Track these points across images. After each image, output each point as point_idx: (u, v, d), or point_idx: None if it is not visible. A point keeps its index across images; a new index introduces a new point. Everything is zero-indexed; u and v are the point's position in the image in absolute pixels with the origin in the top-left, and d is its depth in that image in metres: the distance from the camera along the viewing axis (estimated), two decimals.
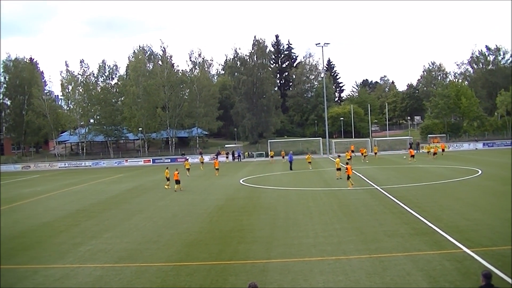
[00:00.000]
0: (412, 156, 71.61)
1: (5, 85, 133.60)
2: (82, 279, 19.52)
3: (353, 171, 48.01)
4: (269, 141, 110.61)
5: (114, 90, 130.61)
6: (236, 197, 41.81)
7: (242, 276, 18.51)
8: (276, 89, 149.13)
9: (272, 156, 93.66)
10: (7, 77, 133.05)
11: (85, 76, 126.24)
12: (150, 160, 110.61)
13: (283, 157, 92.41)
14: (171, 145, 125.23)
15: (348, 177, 44.15)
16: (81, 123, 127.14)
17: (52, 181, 71.80)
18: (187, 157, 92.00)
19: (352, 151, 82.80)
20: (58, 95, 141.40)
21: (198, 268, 20.13)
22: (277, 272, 18.89)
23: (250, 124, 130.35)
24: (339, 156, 59.44)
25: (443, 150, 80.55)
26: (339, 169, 51.75)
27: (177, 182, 47.92)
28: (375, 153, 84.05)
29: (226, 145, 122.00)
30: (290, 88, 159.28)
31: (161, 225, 30.06)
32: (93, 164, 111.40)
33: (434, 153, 78.94)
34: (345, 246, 22.31)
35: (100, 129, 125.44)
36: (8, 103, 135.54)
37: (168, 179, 51.05)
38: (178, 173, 48.26)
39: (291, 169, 66.83)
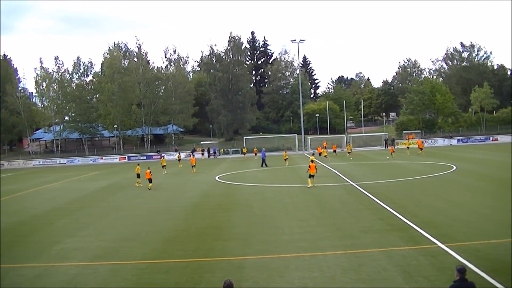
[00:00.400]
0: (392, 152, 71.21)
1: None
2: (57, 277, 19.36)
3: (329, 167, 48.07)
4: (244, 137, 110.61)
5: (89, 87, 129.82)
6: (212, 194, 41.78)
7: (218, 273, 18.48)
8: (251, 85, 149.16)
9: (244, 153, 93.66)
10: None
11: (59, 73, 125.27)
12: (125, 158, 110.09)
13: (255, 154, 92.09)
14: (147, 142, 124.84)
15: (311, 176, 41.97)
16: (56, 120, 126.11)
17: (26, 179, 71.14)
18: (163, 154, 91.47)
19: (325, 147, 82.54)
20: (32, 92, 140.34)
21: (173, 265, 20.09)
22: (253, 268, 18.91)
23: (225, 120, 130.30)
24: (313, 154, 57.49)
25: (420, 147, 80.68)
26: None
27: (150, 181, 46.86)
28: (349, 152, 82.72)
29: (201, 142, 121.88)
30: (266, 85, 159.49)
31: (137, 223, 29.93)
32: (68, 162, 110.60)
33: (421, 149, 79.40)
34: (321, 242, 22.38)
35: (75, 127, 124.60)
36: None
37: (138, 176, 50.40)
38: (150, 172, 47.11)
39: (264, 165, 66.80)
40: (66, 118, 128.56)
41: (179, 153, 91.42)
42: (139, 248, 23.26)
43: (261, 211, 31.60)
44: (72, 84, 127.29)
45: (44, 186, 58.06)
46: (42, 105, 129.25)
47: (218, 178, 55.30)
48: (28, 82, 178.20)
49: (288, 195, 37.90)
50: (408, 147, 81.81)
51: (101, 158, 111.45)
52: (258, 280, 17.48)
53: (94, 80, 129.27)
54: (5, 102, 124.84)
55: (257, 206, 33.93)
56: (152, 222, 29.97)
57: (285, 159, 69.73)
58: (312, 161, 43.72)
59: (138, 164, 53.28)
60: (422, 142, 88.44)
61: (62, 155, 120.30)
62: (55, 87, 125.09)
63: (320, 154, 75.84)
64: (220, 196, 40.11)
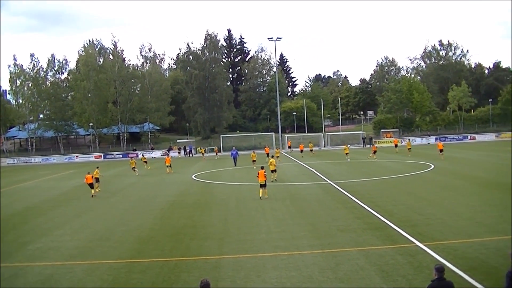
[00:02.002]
0: (375, 152, 69.65)
1: None
2: (31, 278, 19.22)
3: (306, 166, 47.97)
4: (221, 136, 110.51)
5: (64, 85, 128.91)
6: (188, 193, 41.71)
7: (195, 272, 18.51)
8: (228, 83, 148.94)
9: (202, 153, 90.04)
10: None
11: (34, 71, 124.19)
12: (101, 156, 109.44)
13: (216, 153, 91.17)
14: (123, 141, 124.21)
15: (261, 185, 35.89)
16: (30, 118, 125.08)
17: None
18: (139, 153, 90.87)
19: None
20: (6, 90, 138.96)
21: (150, 265, 20.03)
22: (230, 268, 18.94)
23: (202, 119, 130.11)
24: (272, 156, 53.92)
25: (396, 145, 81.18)
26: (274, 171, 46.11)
27: (91, 185, 42.48)
28: (311, 150, 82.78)
29: (178, 140, 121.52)
30: (243, 83, 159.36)
31: (112, 222, 29.81)
32: (43, 160, 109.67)
33: (395, 145, 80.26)
34: (298, 241, 22.45)
35: (50, 125, 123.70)
36: None
37: (97, 180, 45.56)
38: (92, 176, 43.20)
39: (235, 165, 66.52)
40: (41, 116, 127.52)
41: (143, 155, 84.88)
42: (115, 248, 23.16)
43: (237, 210, 31.65)
44: (47, 82, 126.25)
45: (18, 185, 57.56)
46: (16, 103, 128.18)
47: (194, 176, 55.19)
48: (1, 79, 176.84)
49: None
50: (396, 145, 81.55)
51: (77, 156, 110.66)
52: (235, 280, 17.52)
53: (69, 77, 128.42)
54: None
55: (233, 205, 33.96)
56: (128, 221, 29.85)
57: (253, 161, 63.75)
58: (262, 167, 37.99)
59: (98, 168, 48.23)
60: (399, 141, 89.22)
61: (37, 153, 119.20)
62: (30, 85, 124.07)
63: (301, 151, 78.05)
64: (196, 195, 40.05)
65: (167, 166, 62.51)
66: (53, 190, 49.04)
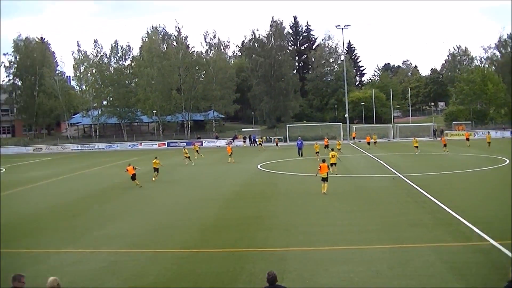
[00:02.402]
0: (445, 145, 66.68)
1: (15, 66, 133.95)
2: (95, 264, 19.61)
3: (375, 158, 47.40)
4: (287, 125, 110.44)
5: (128, 72, 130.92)
6: (253, 183, 41.88)
7: (260, 264, 18.51)
8: (294, 72, 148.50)
9: (260, 144, 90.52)
10: (17, 57, 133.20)
11: (98, 57, 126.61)
12: (165, 144, 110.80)
13: (276, 144, 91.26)
14: (187, 128, 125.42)
15: (323, 179, 34.03)
16: (94, 105, 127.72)
17: (64, 164, 72.25)
18: (200, 142, 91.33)
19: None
20: (70, 76, 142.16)
21: (214, 255, 20.21)
22: (296, 260, 18.88)
23: (267, 107, 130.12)
24: (332, 149, 51.11)
25: (467, 139, 79.09)
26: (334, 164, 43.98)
27: (133, 177, 41.64)
28: (374, 142, 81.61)
29: (243, 129, 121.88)
30: (309, 71, 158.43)
31: (177, 211, 30.22)
32: (106, 147, 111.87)
33: (467, 139, 78.31)
34: (366, 235, 22.22)
35: (114, 111, 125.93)
36: (19, 83, 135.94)
37: (156, 170, 45.80)
38: (134, 167, 42.67)
39: (300, 155, 66.03)
40: (104, 102, 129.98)
41: (194, 144, 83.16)
42: (179, 237, 23.44)
43: (303, 201, 31.49)
44: (110, 68, 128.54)
45: (82, 171, 58.88)
46: (80, 89, 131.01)
47: (260, 166, 55.34)
48: (65, 65, 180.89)
49: (332, 185, 37.08)
50: (467, 139, 79.24)
51: (140, 144, 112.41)
52: (301, 273, 17.42)
53: (133, 64, 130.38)
54: (43, 85, 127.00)
55: (299, 196, 33.79)
56: (192, 210, 30.18)
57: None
58: (324, 160, 35.97)
59: (156, 157, 47.65)
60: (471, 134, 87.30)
61: (100, 140, 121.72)
62: (93, 71, 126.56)
63: (368, 143, 77.30)
64: (261, 185, 40.15)
65: (229, 155, 62.56)
66: (117, 177, 49.85)
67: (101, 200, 35.72)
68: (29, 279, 11.70)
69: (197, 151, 70.61)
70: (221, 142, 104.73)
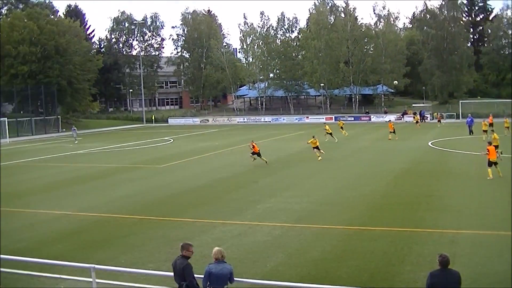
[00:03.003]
0: None
1: (183, 38, 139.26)
2: (260, 237, 20.06)
3: None
4: (460, 101, 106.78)
5: (294, 44, 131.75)
6: (423, 161, 40.82)
7: (429, 245, 18.11)
8: (468, 45, 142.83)
9: (439, 120, 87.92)
10: (185, 30, 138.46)
11: (264, 29, 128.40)
12: (332, 118, 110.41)
13: (439, 121, 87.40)
14: (355, 103, 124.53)
15: (491, 163, 31.18)
16: (260, 77, 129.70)
17: (230, 136, 74.17)
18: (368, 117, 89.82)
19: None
20: (236, 48, 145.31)
21: (381, 233, 19.96)
22: (467, 244, 18.29)
23: (439, 82, 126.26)
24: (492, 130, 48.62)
25: None
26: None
27: (258, 154, 41.04)
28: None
29: (413, 105, 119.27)
30: (485, 44, 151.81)
31: (343, 186, 30.13)
32: (272, 120, 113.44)
33: None
34: None
35: (280, 84, 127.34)
36: (187, 56, 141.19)
37: (317, 148, 43.81)
38: (256, 145, 41.96)
39: (471, 133, 63.00)
40: (271, 75, 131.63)
41: (340, 120, 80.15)
42: (345, 213, 23.40)
43: (477, 182, 30.27)
44: (277, 41, 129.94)
45: (247, 143, 60.01)
46: (247, 62, 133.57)
47: (431, 144, 53.86)
48: (231, 38, 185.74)
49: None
50: None
51: (307, 117, 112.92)
52: (472, 258, 16.81)
53: (300, 36, 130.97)
54: (210, 58, 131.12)
55: (473, 176, 32.50)
56: (359, 186, 30.00)
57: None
58: (489, 143, 33.46)
59: (313, 137, 44.99)
60: None
61: (266, 113, 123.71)
62: (260, 43, 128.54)
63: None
64: (432, 163, 39.01)
65: (390, 132, 59.24)
66: (282, 151, 50.63)
67: (265, 173, 36.38)
68: (195, 249, 12.06)
69: (341, 127, 68.61)
70: (390, 117, 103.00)
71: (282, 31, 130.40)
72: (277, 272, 15.92)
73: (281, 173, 36.53)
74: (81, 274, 15.55)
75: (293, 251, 18.19)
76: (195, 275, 11.34)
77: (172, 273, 11.72)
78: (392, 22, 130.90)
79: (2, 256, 15.66)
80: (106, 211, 25.45)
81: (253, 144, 41.56)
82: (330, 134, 58.63)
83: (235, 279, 11.41)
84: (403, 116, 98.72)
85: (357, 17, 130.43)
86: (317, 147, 43.13)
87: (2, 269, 16.21)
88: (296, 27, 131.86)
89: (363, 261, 16.93)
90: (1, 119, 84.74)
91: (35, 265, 16.01)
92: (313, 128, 70.25)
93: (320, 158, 41.78)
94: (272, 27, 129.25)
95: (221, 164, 42.38)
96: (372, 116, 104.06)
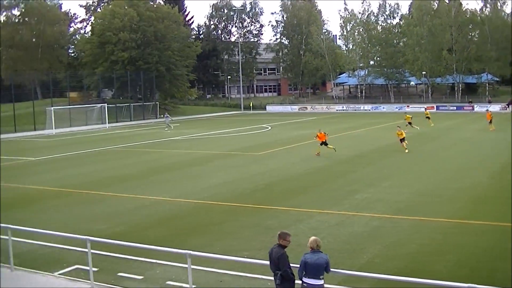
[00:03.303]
0: None
1: (282, 25, 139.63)
2: (358, 227, 19.94)
3: None
4: None
5: (396, 31, 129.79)
6: None
7: None
8: None
9: None
10: (285, 16, 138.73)
11: (365, 15, 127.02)
12: (433, 107, 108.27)
13: None
14: (457, 92, 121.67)
15: None
16: (360, 64, 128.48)
17: (329, 124, 73.69)
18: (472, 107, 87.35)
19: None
20: (336, 35, 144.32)
21: (484, 228, 19.45)
22: None
23: None
24: None
25: None
26: None
27: (325, 143, 40.18)
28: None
29: None
30: None
31: (444, 178, 29.46)
32: (372, 109, 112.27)
33: None
34: None
35: (380, 72, 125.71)
36: (286, 42, 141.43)
37: (403, 140, 41.81)
38: (325, 133, 40.98)
39: None
40: (371, 62, 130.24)
41: (425, 109, 77.85)
42: (445, 206, 22.90)
43: None
44: (378, 27, 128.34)
45: (346, 132, 59.79)
46: (347, 49, 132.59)
47: None
48: (331, 24, 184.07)
49: None
50: None
51: (407, 106, 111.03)
52: None
53: (401, 23, 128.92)
54: (309, 44, 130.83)
55: None
56: (460, 178, 29.27)
57: None
58: None
59: (399, 126, 44.44)
60: None
61: (366, 101, 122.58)
62: (360, 30, 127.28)
63: None
64: None
65: (489, 122, 56.66)
66: (382, 140, 50.02)
67: (365, 163, 36.16)
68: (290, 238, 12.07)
69: (427, 117, 66.65)
70: (495, 108, 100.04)
71: (383, 17, 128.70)
72: (374, 264, 15.77)
73: (379, 163, 36.12)
74: (176, 260, 15.92)
75: (391, 243, 17.98)
76: (291, 264, 11.35)
77: (267, 262, 11.79)
78: (499, 7, 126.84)
79: (101, 239, 16.29)
80: (202, 198, 25.89)
81: (321, 133, 40.79)
82: (410, 123, 57.02)
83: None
84: (508, 106, 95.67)
85: (462, 3, 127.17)
86: (403, 139, 41.36)
87: (100, 252, 16.86)
88: (397, 13, 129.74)
89: (463, 256, 16.59)
90: (101, 104, 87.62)
91: (131, 249, 16.46)
92: (414, 117, 68.74)
93: (407, 150, 40.30)
94: (373, 13, 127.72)
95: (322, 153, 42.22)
96: (475, 106, 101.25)
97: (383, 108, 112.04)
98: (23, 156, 47.06)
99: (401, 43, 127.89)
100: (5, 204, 25.13)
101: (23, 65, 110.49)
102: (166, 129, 71.51)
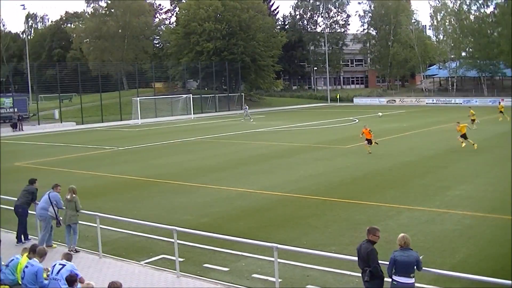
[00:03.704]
0: None
1: (370, 15, 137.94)
2: (449, 226, 19.57)
3: None
4: None
5: (490, 20, 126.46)
6: None
7: None
8: None
9: None
10: (372, 6, 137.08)
11: (457, 4, 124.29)
12: None
13: None
14: None
15: None
16: (452, 56, 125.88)
17: (418, 117, 72.76)
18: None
19: None
20: (425, 25, 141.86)
21: None
22: None
23: None
24: None
25: None
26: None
27: (369, 141, 38.77)
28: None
29: None
30: None
31: None
32: (464, 102, 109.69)
33: None
34: None
35: (473, 64, 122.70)
36: (374, 33, 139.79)
37: (464, 137, 39.70)
38: (370, 131, 39.53)
39: None
40: (463, 54, 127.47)
41: (470, 107, 68.15)
42: None
43: None
44: (471, 17, 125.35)
45: (436, 126, 58.64)
46: (437, 39, 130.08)
47: None
48: (420, 14, 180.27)
49: None
50: None
51: (502, 99, 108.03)
52: None
53: (496, 11, 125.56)
54: (398, 35, 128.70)
55: None
56: None
57: None
58: None
59: (458, 122, 41.41)
60: None
61: (457, 94, 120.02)
62: (452, 20, 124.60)
63: None
64: None
65: None
66: (475, 134, 48.54)
67: (457, 159, 35.29)
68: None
69: (501, 111, 64.34)
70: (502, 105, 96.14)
71: (476, 6, 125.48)
72: (467, 264, 15.46)
73: (472, 158, 35.15)
74: (262, 253, 16.01)
75: (485, 243, 17.57)
76: (379, 261, 11.22)
77: (355, 257, 11.70)
78: None
79: (187, 230, 16.56)
80: (289, 191, 25.95)
81: (366, 129, 39.39)
82: (473, 120, 53.51)
83: None
84: None
85: None
86: (464, 135, 39.35)
87: (186, 243, 17.09)
88: (492, 1, 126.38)
89: None
90: (186, 95, 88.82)
91: (217, 240, 16.67)
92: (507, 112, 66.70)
93: (464, 145, 38.87)
94: (465, 2, 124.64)
95: (407, 147, 41.65)
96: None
97: (475, 101, 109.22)
98: (111, 146, 48.33)
99: (495, 33, 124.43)
100: (94, 192, 26.00)
101: (110, 56, 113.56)
102: (242, 120, 72.00)
